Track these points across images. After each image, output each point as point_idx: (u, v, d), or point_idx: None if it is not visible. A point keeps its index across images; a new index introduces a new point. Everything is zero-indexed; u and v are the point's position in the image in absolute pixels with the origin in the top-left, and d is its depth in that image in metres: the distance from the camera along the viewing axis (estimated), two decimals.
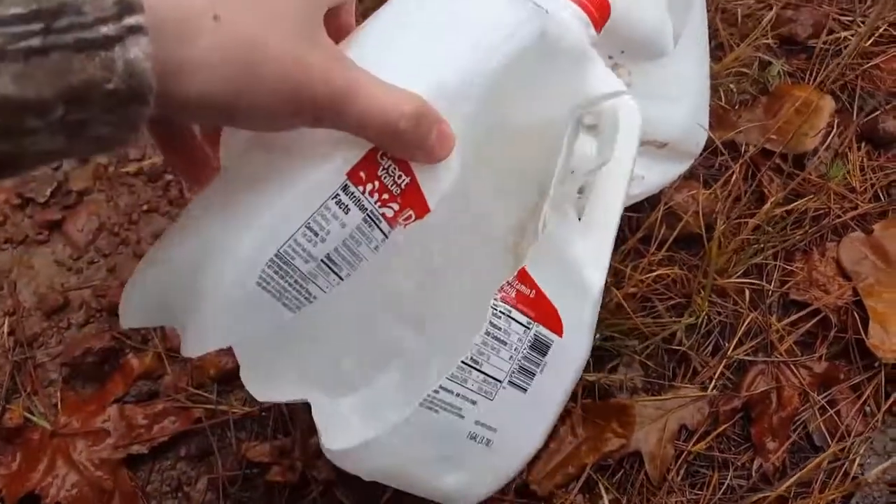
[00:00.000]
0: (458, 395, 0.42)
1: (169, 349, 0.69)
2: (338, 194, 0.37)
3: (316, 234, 0.37)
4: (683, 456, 0.64)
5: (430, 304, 0.45)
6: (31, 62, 0.23)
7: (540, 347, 0.45)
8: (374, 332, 0.45)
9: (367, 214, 0.38)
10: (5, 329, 0.71)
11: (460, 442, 0.44)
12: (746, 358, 0.66)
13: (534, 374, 0.46)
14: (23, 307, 0.72)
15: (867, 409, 0.65)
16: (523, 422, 0.48)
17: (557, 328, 0.46)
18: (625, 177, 0.48)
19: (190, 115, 0.31)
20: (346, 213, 0.38)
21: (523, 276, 0.43)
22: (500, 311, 0.43)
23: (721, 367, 0.66)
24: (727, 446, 0.65)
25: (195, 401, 0.67)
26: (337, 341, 0.44)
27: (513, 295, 0.43)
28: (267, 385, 0.43)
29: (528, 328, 0.44)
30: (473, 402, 0.43)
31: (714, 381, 0.65)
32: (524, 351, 0.44)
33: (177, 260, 0.38)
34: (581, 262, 0.47)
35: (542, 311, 0.45)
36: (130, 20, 0.25)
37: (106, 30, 0.24)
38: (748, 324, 0.67)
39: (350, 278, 0.41)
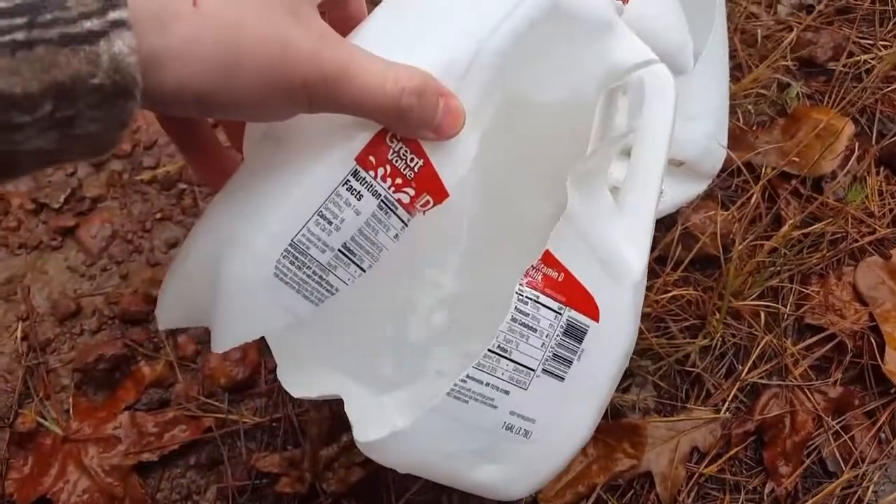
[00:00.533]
0: (487, 384, 0.41)
1: (181, 358, 0.69)
2: (348, 180, 0.36)
3: (329, 223, 0.37)
4: (695, 478, 0.63)
5: (457, 294, 0.44)
6: (16, 56, 0.23)
7: (574, 333, 0.43)
8: (407, 326, 0.44)
9: (382, 200, 0.38)
10: (19, 334, 0.71)
11: (495, 433, 0.43)
12: (760, 381, 0.66)
13: (570, 362, 0.43)
14: (36, 312, 0.72)
15: (882, 435, 0.65)
16: (565, 412, 0.45)
17: (593, 313, 0.43)
18: (662, 153, 0.45)
19: (168, 107, 0.29)
20: (359, 200, 0.37)
21: (549, 260, 0.41)
22: (527, 297, 0.41)
23: (734, 389, 0.65)
24: (739, 469, 0.64)
25: (206, 410, 0.67)
26: (372, 335, 0.43)
27: (539, 279, 0.41)
28: (304, 380, 0.43)
29: (560, 313, 0.42)
30: (506, 392, 0.41)
31: (727, 403, 0.65)
32: (557, 337, 0.42)
33: (196, 259, 0.38)
34: (617, 244, 0.44)
35: (574, 295, 0.42)
36: (114, 15, 0.25)
37: (90, 24, 0.24)
38: (763, 347, 0.67)
39: (374, 270, 0.40)
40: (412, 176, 0.38)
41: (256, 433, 0.66)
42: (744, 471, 0.64)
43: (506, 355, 0.41)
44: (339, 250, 0.38)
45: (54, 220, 0.76)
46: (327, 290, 0.39)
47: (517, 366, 0.41)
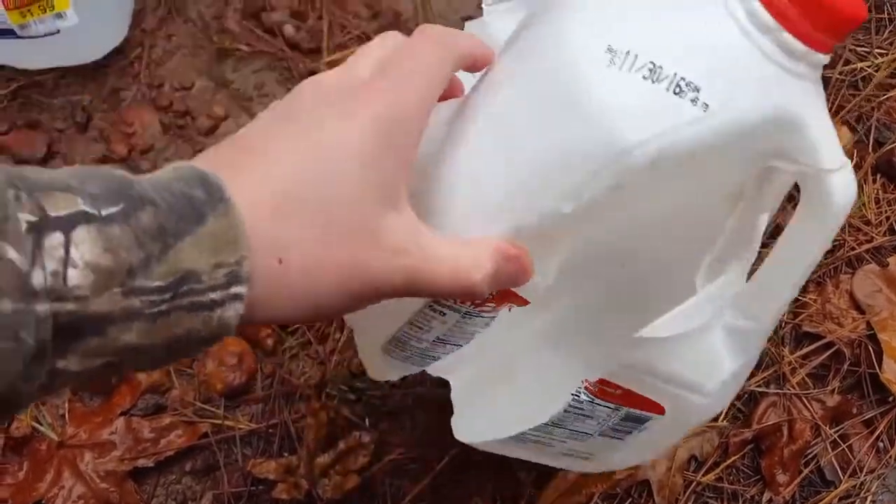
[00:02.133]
0: (542, 440, 0.45)
1: (177, 363, 0.69)
2: (431, 304, 0.39)
3: (420, 329, 0.41)
4: (692, 486, 0.63)
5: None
6: (157, 322, 0.26)
7: (635, 420, 0.43)
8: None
9: (464, 314, 0.39)
10: None
11: (556, 455, 0.48)
12: (758, 389, 0.66)
13: (630, 432, 0.45)
14: None
15: (880, 444, 0.65)
16: (622, 457, 0.49)
17: (657, 411, 0.42)
18: (804, 271, 0.37)
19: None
20: (443, 315, 0.39)
21: (606, 383, 0.40)
22: (582, 399, 0.41)
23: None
24: (737, 478, 0.64)
25: (202, 416, 0.66)
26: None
27: (595, 388, 0.40)
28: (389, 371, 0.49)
29: (617, 410, 0.42)
30: (563, 442, 0.45)
31: (725, 411, 0.65)
32: (613, 423, 0.43)
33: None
34: (702, 361, 0.40)
35: (635, 402, 0.42)
36: (235, 289, 0.27)
37: (214, 296, 0.27)
38: (760, 355, 0.67)
39: (470, 344, 0.43)
40: (491, 296, 0.39)
41: (252, 439, 0.66)
42: (741, 479, 0.64)
43: (560, 425, 0.43)
44: (434, 341, 0.42)
45: None
46: (431, 359, 0.45)
47: (572, 432, 0.44)
